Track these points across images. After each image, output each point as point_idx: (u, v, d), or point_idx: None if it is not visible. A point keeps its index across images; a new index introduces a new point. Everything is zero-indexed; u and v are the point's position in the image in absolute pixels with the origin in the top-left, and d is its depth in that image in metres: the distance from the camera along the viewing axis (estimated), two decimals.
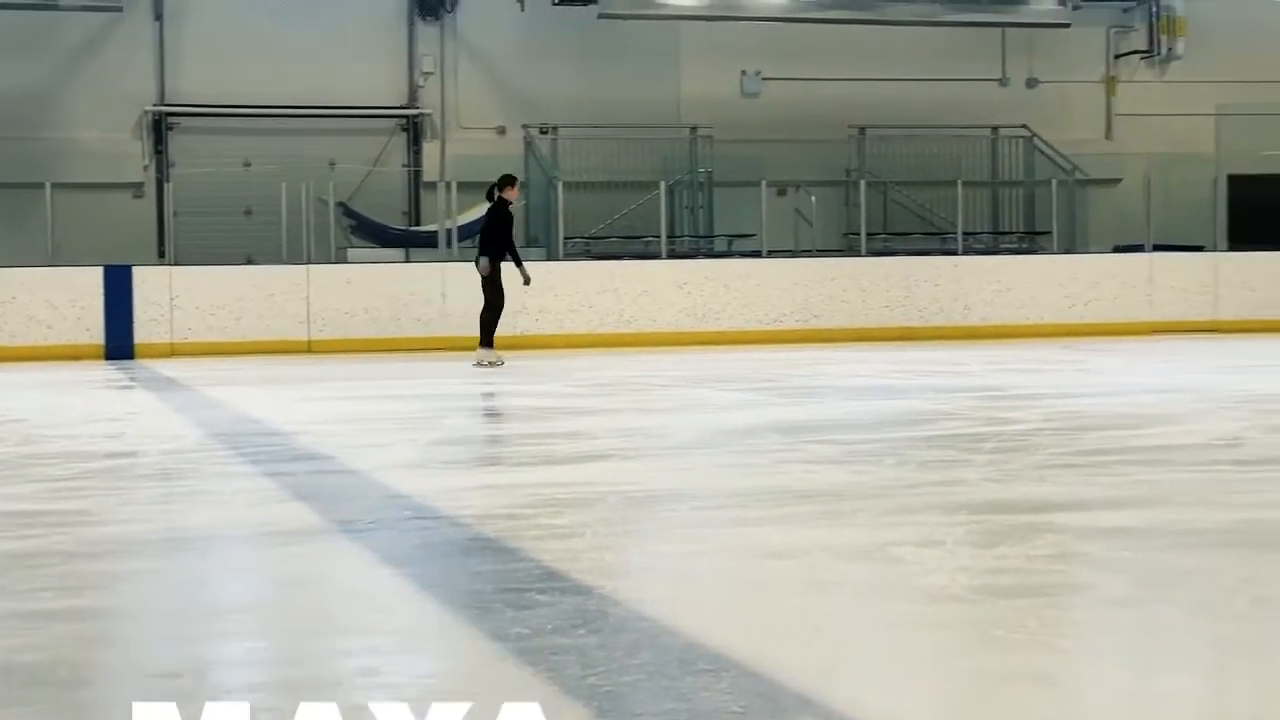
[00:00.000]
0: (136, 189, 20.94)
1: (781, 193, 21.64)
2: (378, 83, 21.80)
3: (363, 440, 8.64)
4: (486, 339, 14.95)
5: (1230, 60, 23.55)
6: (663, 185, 20.25)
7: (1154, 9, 23.44)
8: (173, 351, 17.39)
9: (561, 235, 19.95)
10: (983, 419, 9.19)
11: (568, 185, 20.18)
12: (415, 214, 21.69)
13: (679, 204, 21.77)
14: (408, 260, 19.76)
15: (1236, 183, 22.37)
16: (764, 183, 20.35)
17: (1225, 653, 3.73)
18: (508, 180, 15.18)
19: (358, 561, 5.01)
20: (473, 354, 15.12)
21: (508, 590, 4.41)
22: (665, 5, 21.63)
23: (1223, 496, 5.94)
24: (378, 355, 16.89)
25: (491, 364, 14.77)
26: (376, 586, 4.61)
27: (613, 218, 21.22)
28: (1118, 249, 21.61)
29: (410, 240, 20.62)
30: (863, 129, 22.57)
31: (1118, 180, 22.91)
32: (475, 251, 15.31)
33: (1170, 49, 23.49)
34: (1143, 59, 23.70)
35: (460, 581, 4.64)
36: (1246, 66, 23.48)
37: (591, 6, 21.27)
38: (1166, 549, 4.89)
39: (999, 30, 23.21)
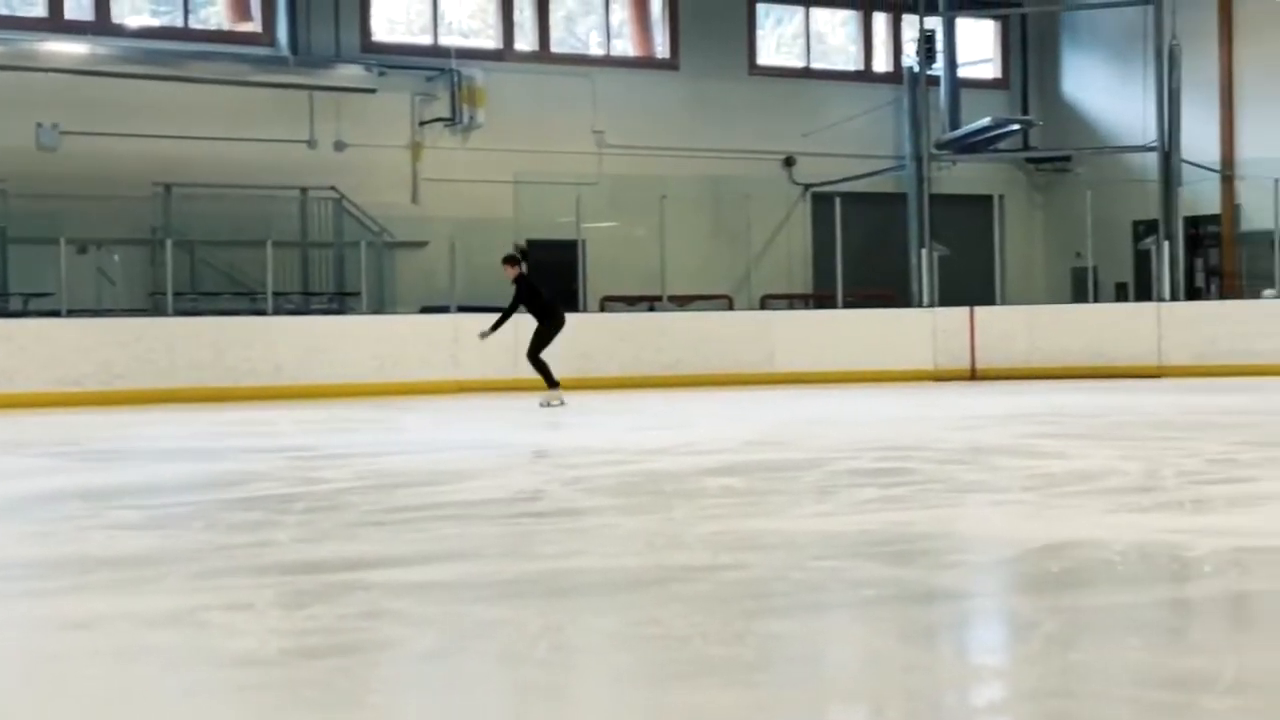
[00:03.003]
0: None
1: (82, 250, 20.84)
2: None
3: None
4: (549, 379, 16.58)
5: (526, 130, 24.71)
6: None
7: (455, 79, 24.27)
8: None
9: None
10: (294, 479, 9.15)
11: None
12: None
13: None
14: None
15: (534, 247, 23.41)
16: (63, 240, 19.54)
17: (527, 697, 3.84)
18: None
19: None
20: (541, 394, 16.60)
21: None
22: None
23: (525, 548, 6.15)
24: None
25: (558, 403, 16.39)
26: None
27: None
28: (425, 310, 22.15)
29: None
30: (169, 187, 22.11)
31: (424, 243, 23.50)
32: None
33: (472, 117, 24.39)
34: (446, 126, 24.47)
35: None
36: (541, 137, 24.72)
37: None
38: (474, 601, 5.01)
39: (307, 93, 23.35)
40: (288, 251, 22.49)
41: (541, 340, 16.81)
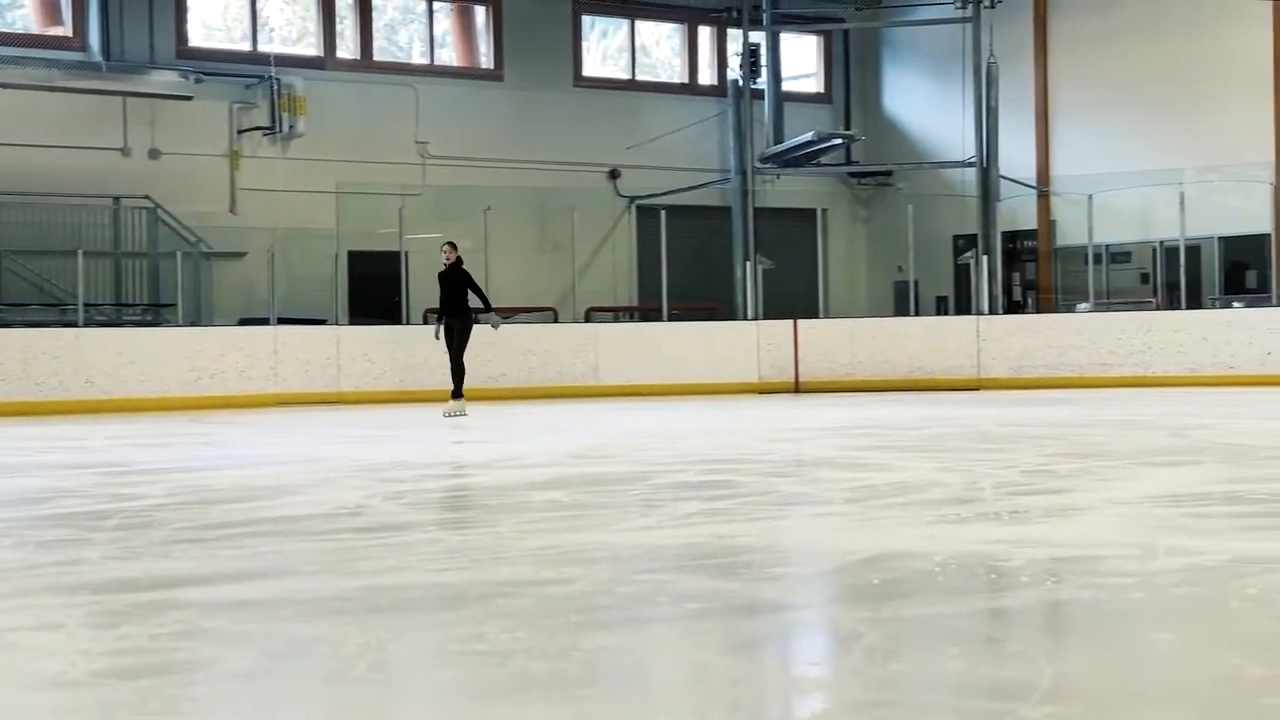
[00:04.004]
0: None
1: None
2: None
3: None
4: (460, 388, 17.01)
5: (348, 140, 24.46)
6: None
7: (275, 87, 23.93)
8: None
9: None
10: (105, 495, 8.92)
11: None
12: None
13: None
14: None
15: (356, 258, 23.21)
16: None
17: (347, 716, 3.77)
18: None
19: None
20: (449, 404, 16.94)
21: None
22: None
23: (346, 564, 6.05)
24: None
25: (461, 414, 16.65)
26: None
27: None
28: (244, 322, 21.78)
29: None
30: None
31: (243, 254, 23.13)
32: None
33: (292, 126, 24.07)
34: (265, 135, 24.12)
35: None
36: (363, 147, 24.48)
37: None
38: (292, 619, 4.91)
39: (120, 99, 22.85)
40: (100, 262, 21.99)
41: (466, 343, 17.11)
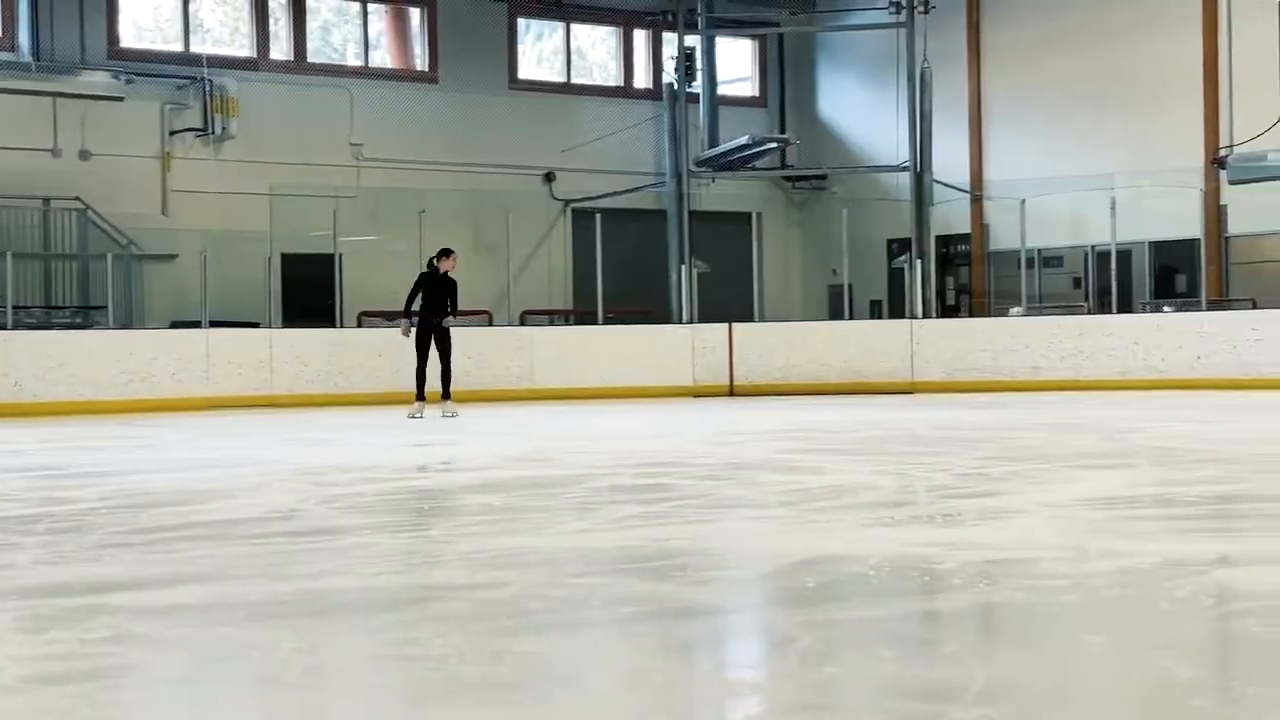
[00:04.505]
0: None
1: None
2: None
3: None
4: (446, 391, 17.47)
5: (281, 142, 24.32)
6: None
7: (207, 88, 23.76)
8: None
9: None
10: (36, 499, 8.82)
11: None
12: None
13: None
14: None
15: (289, 261, 23.07)
16: None
17: None
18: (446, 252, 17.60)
19: None
20: (441, 405, 17.38)
21: None
22: None
23: (279, 568, 6.01)
24: None
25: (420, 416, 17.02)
26: None
27: None
28: (175, 325, 21.62)
29: None
30: None
31: (174, 256, 22.96)
32: None
33: (224, 128, 23.91)
34: (197, 136, 23.95)
35: None
36: (296, 149, 24.35)
37: None
38: (224, 624, 4.87)
39: (50, 100, 22.63)
40: (29, 263, 21.78)
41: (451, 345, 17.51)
